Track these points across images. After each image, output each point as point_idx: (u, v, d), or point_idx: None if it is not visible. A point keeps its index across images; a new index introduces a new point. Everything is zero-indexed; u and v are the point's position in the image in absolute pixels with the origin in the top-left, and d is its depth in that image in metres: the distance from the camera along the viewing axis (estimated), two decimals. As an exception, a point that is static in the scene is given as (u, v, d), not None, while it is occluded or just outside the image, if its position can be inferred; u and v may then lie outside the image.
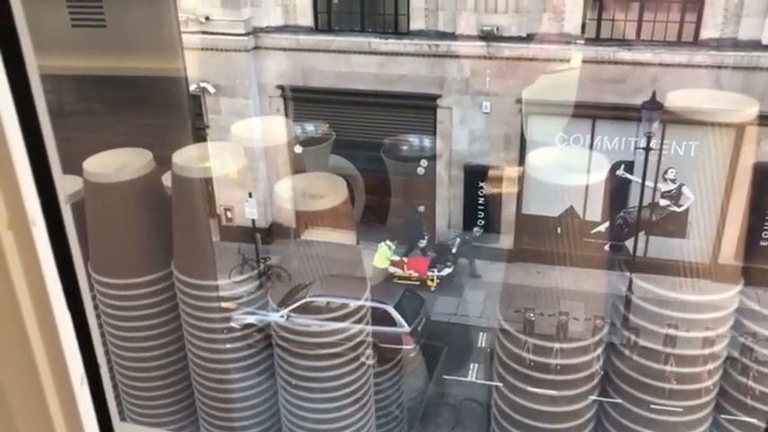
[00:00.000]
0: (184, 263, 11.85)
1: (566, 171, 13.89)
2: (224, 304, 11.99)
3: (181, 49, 14.08)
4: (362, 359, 12.30)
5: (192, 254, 11.76)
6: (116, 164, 11.85)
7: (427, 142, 17.99)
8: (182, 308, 12.12)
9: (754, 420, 11.03)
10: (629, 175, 16.22)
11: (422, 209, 17.75)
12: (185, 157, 11.84)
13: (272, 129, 17.33)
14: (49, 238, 1.15)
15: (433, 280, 15.70)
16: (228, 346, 12.13)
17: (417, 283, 15.79)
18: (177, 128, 14.91)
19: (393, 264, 16.36)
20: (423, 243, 16.98)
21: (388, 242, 16.32)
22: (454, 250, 16.34)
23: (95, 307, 11.67)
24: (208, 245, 11.87)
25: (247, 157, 14.26)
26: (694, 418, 11.54)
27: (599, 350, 11.88)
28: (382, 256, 15.94)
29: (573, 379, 11.64)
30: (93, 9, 16.45)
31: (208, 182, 12.35)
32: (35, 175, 1.09)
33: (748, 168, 15.02)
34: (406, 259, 16.29)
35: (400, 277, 15.87)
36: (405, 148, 18.13)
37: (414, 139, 18.09)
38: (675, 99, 14.46)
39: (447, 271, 15.76)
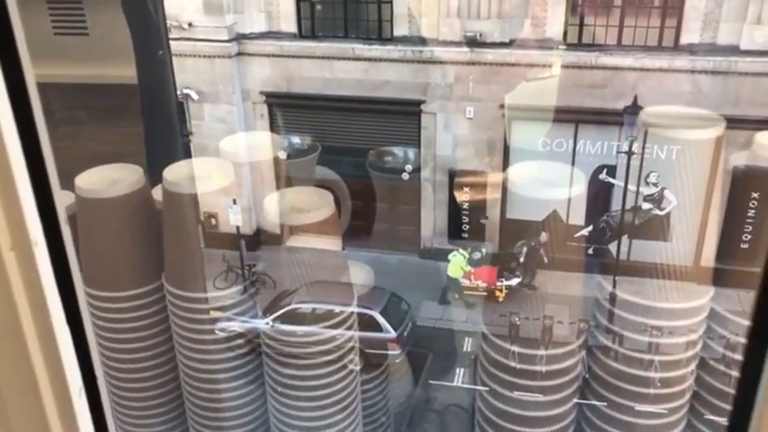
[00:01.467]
0: (175, 275, 12.01)
1: (543, 185, 13.97)
2: (213, 313, 12.05)
3: (169, 56, 14.08)
4: (349, 365, 12.35)
5: (182, 266, 11.93)
6: (107, 179, 12.06)
7: (411, 154, 18.02)
8: (172, 319, 12.23)
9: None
10: (611, 179, 16.35)
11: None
12: (175, 174, 12.06)
13: (258, 143, 17.33)
14: (49, 257, 1.18)
15: (501, 290, 15.03)
16: (216, 353, 12.17)
17: (485, 294, 15.09)
18: (165, 136, 14.90)
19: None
20: (477, 255, 16.43)
21: (462, 250, 15.67)
22: (522, 259, 15.69)
23: (87, 319, 11.67)
24: (197, 257, 12.02)
25: (238, 168, 14.33)
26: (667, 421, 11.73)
27: (582, 353, 12.03)
28: (457, 265, 15.23)
29: (556, 380, 11.76)
30: (76, 17, 16.39)
31: (196, 192, 12.43)
32: (36, 197, 1.13)
33: (728, 172, 15.21)
34: (472, 269, 15.46)
35: (467, 288, 15.29)
36: (389, 159, 18.16)
37: (398, 151, 18.13)
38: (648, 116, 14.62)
39: (515, 281, 15.03)
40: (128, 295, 12.02)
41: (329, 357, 11.74)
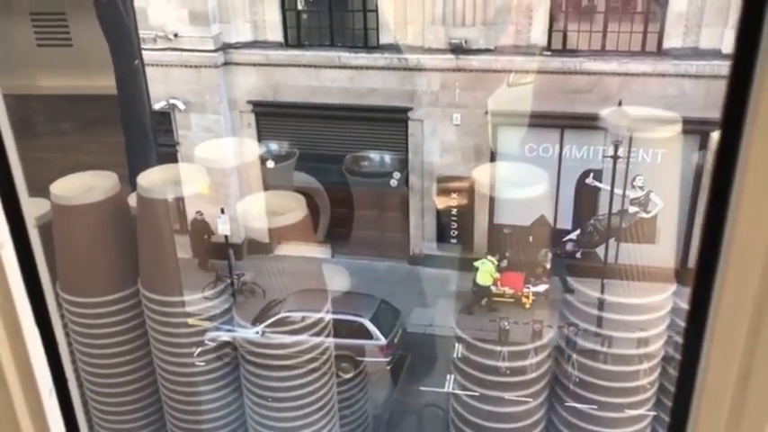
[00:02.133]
0: (151, 280, 12.10)
1: (509, 186, 14.08)
2: (191, 321, 12.11)
3: (142, 66, 14.10)
4: (338, 372, 12.44)
5: (157, 271, 12.04)
6: (83, 186, 12.18)
7: (387, 158, 18.07)
8: (149, 324, 12.35)
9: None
10: (598, 183, 16.44)
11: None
12: (149, 179, 12.19)
13: (236, 149, 17.35)
14: (17, 260, 1.20)
15: (528, 297, 14.89)
16: (198, 362, 12.26)
17: (511, 300, 15.02)
18: (140, 145, 14.92)
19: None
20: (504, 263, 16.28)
21: (490, 257, 15.55)
22: (548, 265, 15.01)
23: (64, 325, 11.79)
24: (173, 262, 12.10)
25: (218, 175, 14.36)
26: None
27: (574, 356, 12.21)
28: (486, 272, 15.21)
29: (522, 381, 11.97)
30: (59, 28, 16.37)
31: (179, 200, 12.51)
32: (2, 200, 1.15)
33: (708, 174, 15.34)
34: (499, 275, 14.82)
35: (494, 294, 15.30)
36: (365, 163, 18.20)
37: (374, 156, 18.16)
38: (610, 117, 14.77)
39: (543, 287, 14.36)
40: (104, 300, 12.10)
41: (316, 364, 11.82)
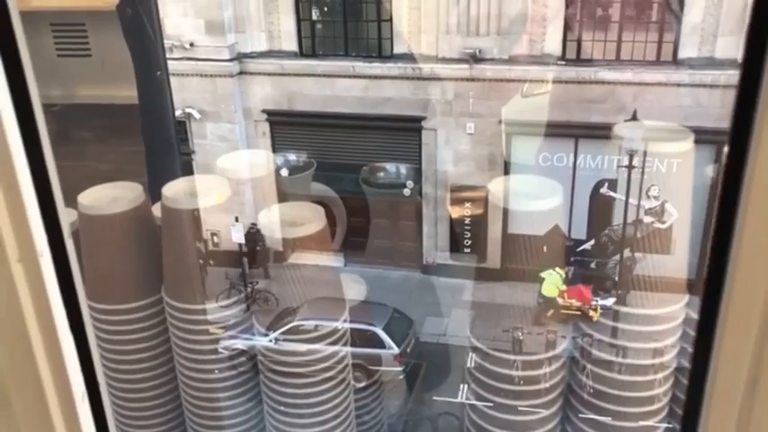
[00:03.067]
0: (174, 288, 12.29)
1: (524, 198, 14.10)
2: (212, 329, 12.24)
3: (167, 77, 14.26)
4: (351, 381, 12.48)
5: (180, 280, 12.24)
6: (109, 197, 12.49)
7: (403, 169, 18.14)
8: (171, 331, 12.53)
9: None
10: (612, 193, 16.37)
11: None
12: (174, 190, 12.45)
13: (255, 160, 17.54)
14: (54, 268, 1.26)
15: (596, 310, 14.76)
16: (216, 371, 12.37)
17: (578, 313, 14.92)
18: (164, 154, 15.07)
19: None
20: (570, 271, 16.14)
21: (558, 269, 15.62)
22: (617, 278, 14.67)
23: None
24: (196, 271, 12.28)
25: (233, 185, 14.53)
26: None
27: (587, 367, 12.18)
28: (553, 284, 15.21)
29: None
30: (79, 39, 16.59)
31: (195, 209, 12.69)
32: (41, 210, 1.21)
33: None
34: (565, 287, 14.68)
35: (561, 306, 14.39)
36: (381, 174, 18.28)
37: (390, 167, 18.24)
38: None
39: (611, 300, 14.07)
40: (128, 308, 12.33)
41: (331, 373, 11.88)
